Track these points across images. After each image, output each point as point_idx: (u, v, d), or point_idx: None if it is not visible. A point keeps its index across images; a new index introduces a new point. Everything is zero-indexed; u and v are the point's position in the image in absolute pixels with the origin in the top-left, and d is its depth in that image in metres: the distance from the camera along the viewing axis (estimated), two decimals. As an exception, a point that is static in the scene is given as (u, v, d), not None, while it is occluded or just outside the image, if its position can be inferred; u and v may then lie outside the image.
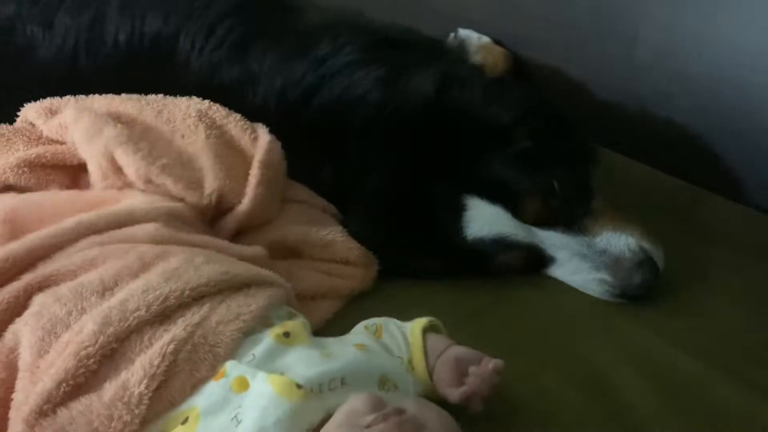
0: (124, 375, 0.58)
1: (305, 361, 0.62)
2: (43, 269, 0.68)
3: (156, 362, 0.58)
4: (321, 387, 0.59)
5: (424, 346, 0.70)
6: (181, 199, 0.83)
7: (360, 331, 0.73)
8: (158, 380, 0.58)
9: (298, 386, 0.57)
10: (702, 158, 1.17)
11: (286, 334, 0.64)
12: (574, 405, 0.75)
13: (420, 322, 0.72)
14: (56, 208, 0.77)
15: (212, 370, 0.60)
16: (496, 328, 0.85)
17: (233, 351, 0.62)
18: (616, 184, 1.00)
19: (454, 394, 0.66)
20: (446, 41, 1.29)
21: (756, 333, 0.85)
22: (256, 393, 0.58)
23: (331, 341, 0.69)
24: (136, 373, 0.58)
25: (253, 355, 0.62)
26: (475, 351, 0.69)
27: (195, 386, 0.59)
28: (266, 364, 0.61)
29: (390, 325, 0.73)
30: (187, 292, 0.64)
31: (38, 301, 0.65)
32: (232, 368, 0.60)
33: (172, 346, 0.59)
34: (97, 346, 0.59)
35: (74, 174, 0.91)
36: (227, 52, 1.01)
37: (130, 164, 0.83)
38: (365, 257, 0.90)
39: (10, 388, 0.60)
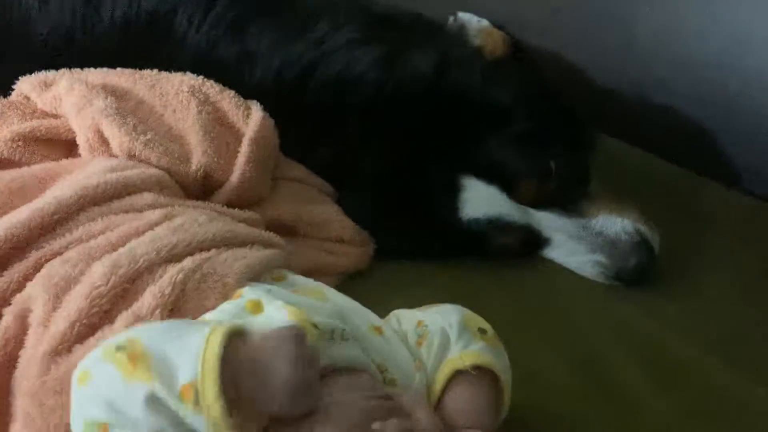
0: (135, 306, 0.59)
1: (318, 310, 0.59)
2: (51, 246, 0.68)
3: (167, 291, 0.59)
4: (332, 334, 0.57)
5: (441, 396, 0.59)
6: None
7: (398, 323, 0.65)
8: (168, 308, 0.59)
9: (315, 326, 0.56)
10: (700, 145, 1.17)
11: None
12: (567, 386, 0.75)
13: (456, 362, 0.59)
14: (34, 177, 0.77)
15: (222, 301, 0.60)
16: (490, 310, 0.82)
17: (242, 283, 0.62)
18: (613, 170, 0.99)
19: None
20: (446, 24, 1.28)
21: (750, 317, 0.85)
22: (271, 317, 0.56)
23: (350, 313, 0.63)
24: (146, 303, 0.58)
25: (270, 288, 0.61)
26: None
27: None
28: (282, 297, 0.60)
29: (434, 340, 0.61)
30: (194, 243, 0.65)
31: (47, 265, 0.65)
32: (248, 291, 0.60)
33: (181, 276, 0.60)
34: (108, 285, 0.59)
35: (68, 148, 0.90)
36: (225, 30, 1.00)
37: (115, 137, 0.82)
38: (361, 236, 0.89)
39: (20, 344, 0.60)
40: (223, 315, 0.58)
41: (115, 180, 0.74)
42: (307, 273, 0.82)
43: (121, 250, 0.64)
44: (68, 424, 0.52)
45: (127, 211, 0.71)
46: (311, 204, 0.90)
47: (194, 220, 0.69)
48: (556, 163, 0.87)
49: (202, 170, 0.85)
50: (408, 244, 0.90)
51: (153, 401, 0.47)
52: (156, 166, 0.82)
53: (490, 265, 0.90)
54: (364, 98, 0.92)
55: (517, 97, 0.91)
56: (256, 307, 0.58)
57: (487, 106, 0.90)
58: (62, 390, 0.55)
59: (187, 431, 0.48)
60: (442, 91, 0.90)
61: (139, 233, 0.67)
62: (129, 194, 0.74)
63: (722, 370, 0.77)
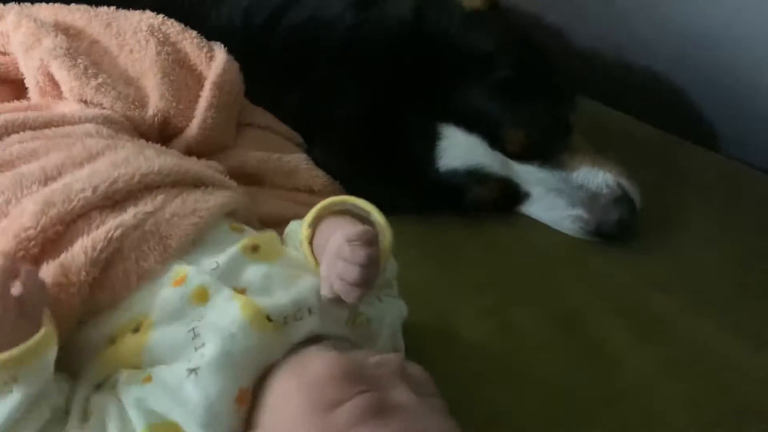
0: (63, 257, 0.52)
1: (272, 282, 0.56)
2: None
3: (99, 246, 0.53)
4: (287, 319, 0.54)
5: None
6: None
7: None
8: (100, 266, 0.52)
9: (269, 319, 0.53)
10: (678, 107, 1.15)
11: (255, 248, 0.59)
12: (543, 340, 0.73)
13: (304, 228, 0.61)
14: None
15: (161, 263, 0.55)
16: (466, 263, 0.82)
17: (186, 246, 0.57)
18: (592, 132, 0.97)
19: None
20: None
21: (728, 275, 0.83)
22: (222, 313, 0.53)
23: (302, 258, 0.61)
24: (76, 257, 0.52)
25: (217, 263, 0.56)
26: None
27: (141, 277, 0.54)
28: (230, 277, 0.56)
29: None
30: (137, 177, 0.58)
31: None
32: (193, 275, 0.55)
33: (119, 231, 0.54)
34: (39, 228, 0.53)
35: (19, 88, 0.84)
36: (189, -34, 0.94)
37: (64, 81, 0.77)
38: (331, 186, 0.85)
39: None
40: (168, 308, 0.53)
41: (49, 113, 0.67)
42: (274, 224, 0.78)
43: (54, 185, 0.57)
44: None
45: (67, 136, 0.65)
46: (277, 152, 0.85)
47: (140, 152, 0.62)
48: (539, 113, 0.84)
49: (159, 115, 0.80)
50: (381, 195, 0.84)
51: None
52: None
53: (466, 220, 0.87)
54: (337, 41, 0.87)
55: (499, 45, 0.87)
56: (203, 296, 0.54)
57: (468, 51, 0.86)
58: None
59: None
60: (420, 34, 0.86)
61: (75, 164, 0.60)
62: (68, 124, 0.68)
63: (702, 325, 0.76)
